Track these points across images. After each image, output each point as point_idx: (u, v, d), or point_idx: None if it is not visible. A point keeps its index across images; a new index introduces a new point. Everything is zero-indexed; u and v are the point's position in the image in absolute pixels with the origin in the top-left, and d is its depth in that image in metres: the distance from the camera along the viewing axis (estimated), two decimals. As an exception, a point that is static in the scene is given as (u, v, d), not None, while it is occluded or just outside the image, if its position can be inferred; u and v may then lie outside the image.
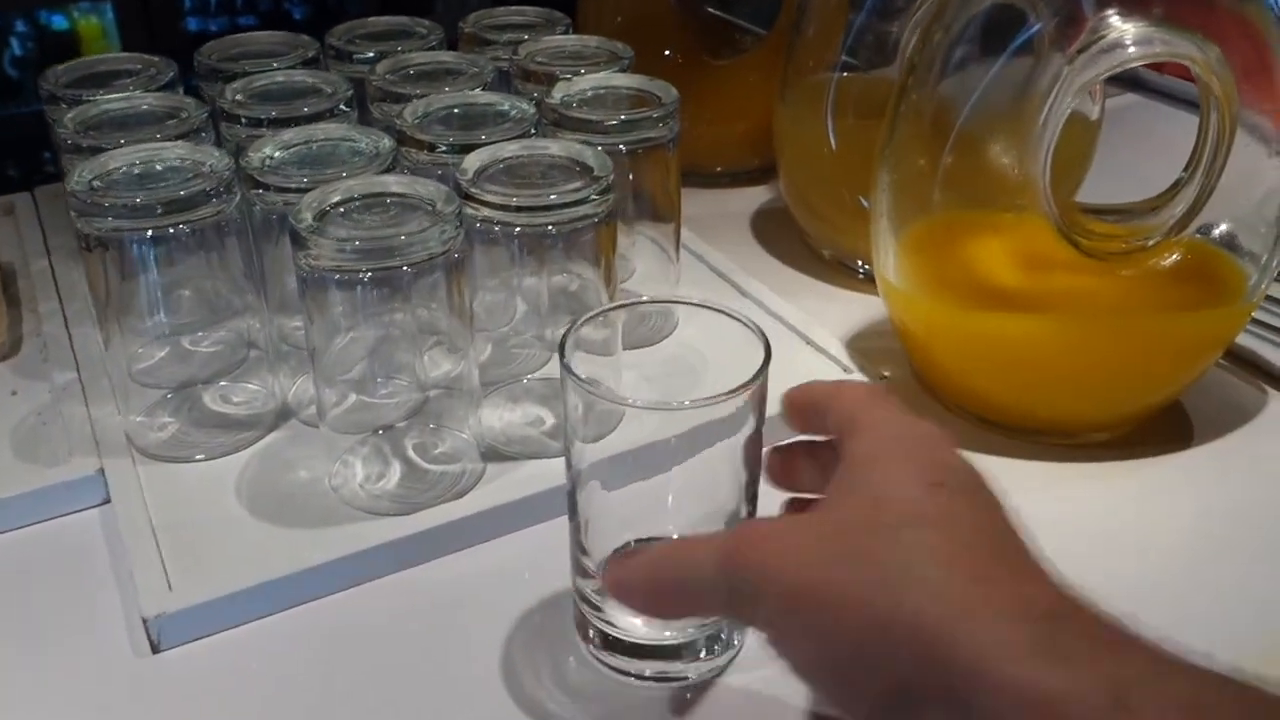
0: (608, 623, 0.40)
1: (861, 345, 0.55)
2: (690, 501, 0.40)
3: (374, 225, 0.42)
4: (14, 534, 0.46)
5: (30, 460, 0.48)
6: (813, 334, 0.56)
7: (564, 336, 0.37)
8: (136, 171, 0.46)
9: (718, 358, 0.52)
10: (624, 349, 0.48)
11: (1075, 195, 0.58)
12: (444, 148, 0.47)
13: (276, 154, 0.47)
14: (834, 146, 0.61)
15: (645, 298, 0.57)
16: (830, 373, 0.53)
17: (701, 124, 0.69)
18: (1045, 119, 0.46)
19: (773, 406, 0.37)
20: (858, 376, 0.53)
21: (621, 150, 0.51)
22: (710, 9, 0.74)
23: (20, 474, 0.47)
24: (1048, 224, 0.47)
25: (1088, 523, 0.46)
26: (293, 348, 0.52)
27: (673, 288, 0.58)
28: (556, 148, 0.47)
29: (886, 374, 0.53)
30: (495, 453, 0.48)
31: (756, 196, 0.73)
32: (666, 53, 0.72)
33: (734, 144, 0.74)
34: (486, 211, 0.44)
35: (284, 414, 0.51)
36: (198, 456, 0.49)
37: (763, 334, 0.37)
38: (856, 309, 0.60)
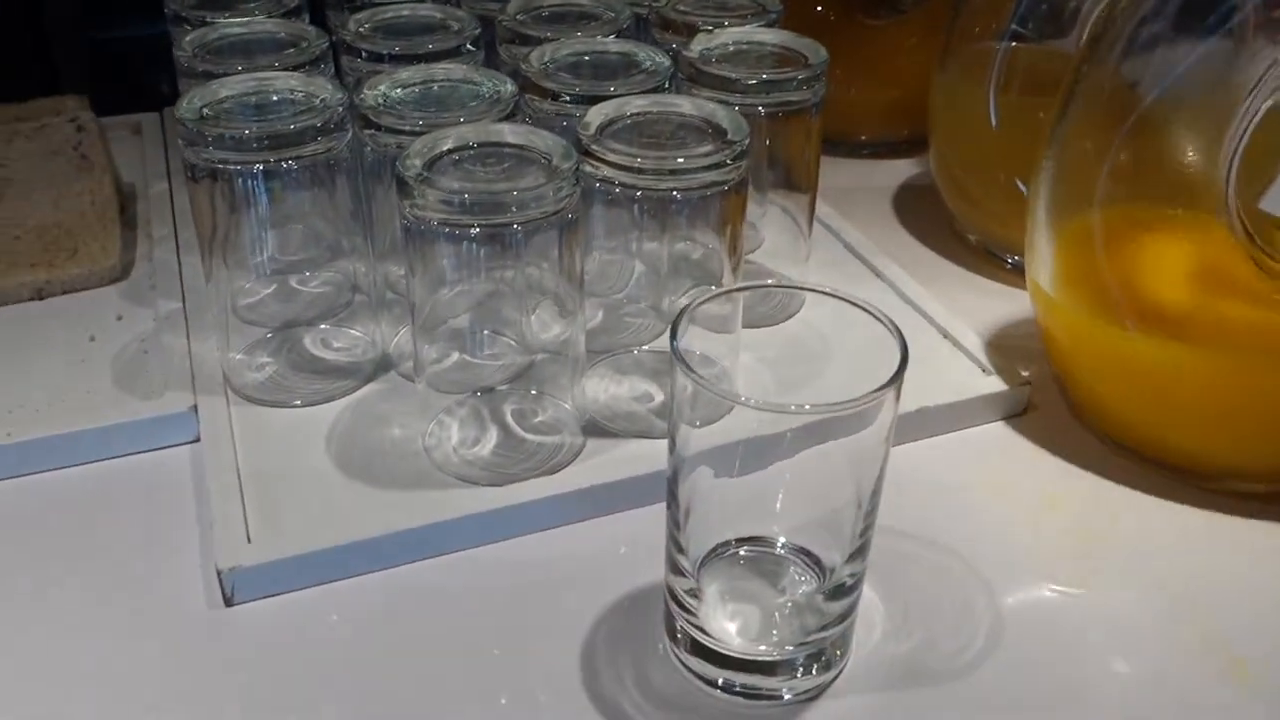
0: (699, 628, 0.36)
1: (1003, 344, 0.51)
2: (800, 503, 0.37)
3: (485, 178, 0.39)
4: (103, 464, 0.45)
5: (127, 390, 0.47)
6: (951, 327, 0.51)
7: (678, 316, 0.34)
8: (250, 101, 0.44)
9: (844, 344, 0.48)
10: (743, 327, 0.44)
11: (1261, 203, 0.52)
12: (568, 97, 0.44)
13: (393, 93, 0.44)
14: (995, 123, 0.56)
15: (770, 281, 0.53)
16: (967, 371, 0.49)
17: (850, 88, 0.65)
18: (1242, 112, 0.41)
19: (904, 406, 0.33)
20: (995, 379, 0.48)
21: (760, 112, 0.47)
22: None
23: (116, 403, 0.46)
24: (1229, 234, 0.41)
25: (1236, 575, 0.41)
26: (398, 296, 0.50)
27: (803, 264, 0.54)
28: (689, 106, 0.43)
29: (1026, 374, 0.48)
30: (597, 427, 0.45)
31: (902, 171, 0.68)
32: (819, 8, 0.67)
33: (883, 112, 0.69)
34: (607, 171, 0.41)
35: (383, 365, 0.49)
36: (294, 402, 0.47)
37: (900, 333, 0.33)
38: (1001, 303, 0.55)
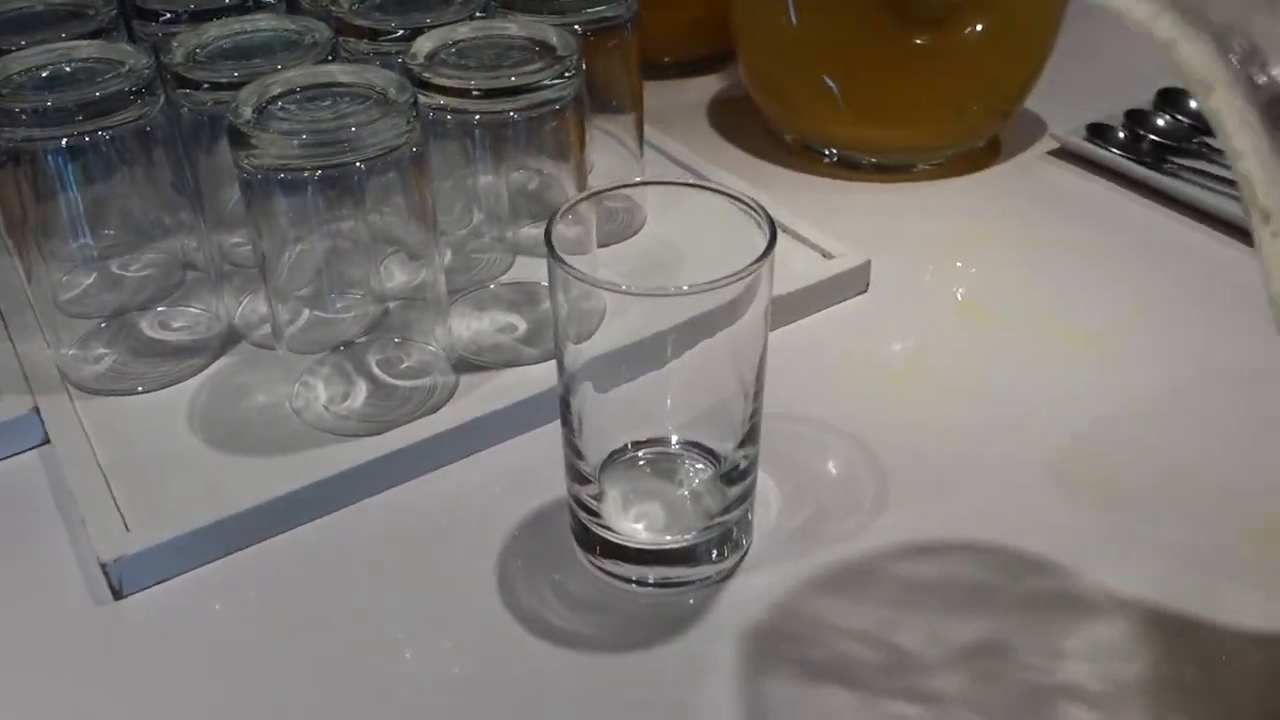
0: (607, 528, 0.37)
1: (837, 230, 0.53)
2: (689, 399, 0.38)
3: (322, 119, 0.38)
4: (-56, 483, 0.42)
5: (-47, 403, 0.44)
6: (788, 221, 0.53)
7: (547, 227, 0.34)
8: (45, 75, 0.41)
9: (694, 250, 0.49)
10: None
11: None
12: (396, 34, 0.43)
13: (204, 48, 0.42)
14: (795, 22, 0.58)
15: (637, 180, 0.53)
16: (810, 259, 0.51)
17: (652, 9, 0.65)
18: None
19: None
20: (837, 261, 0.50)
21: (578, 31, 0.47)
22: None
23: (-56, 418, 0.43)
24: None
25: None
26: (235, 266, 0.48)
27: (638, 183, 0.55)
28: (515, 28, 0.43)
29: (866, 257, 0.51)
30: (466, 364, 0.45)
31: (710, 86, 0.70)
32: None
33: (685, 32, 0.70)
34: (441, 99, 0.41)
35: (232, 338, 0.47)
36: (139, 389, 0.45)
37: (766, 214, 0.34)
38: (827, 195, 0.57)
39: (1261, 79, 0.24)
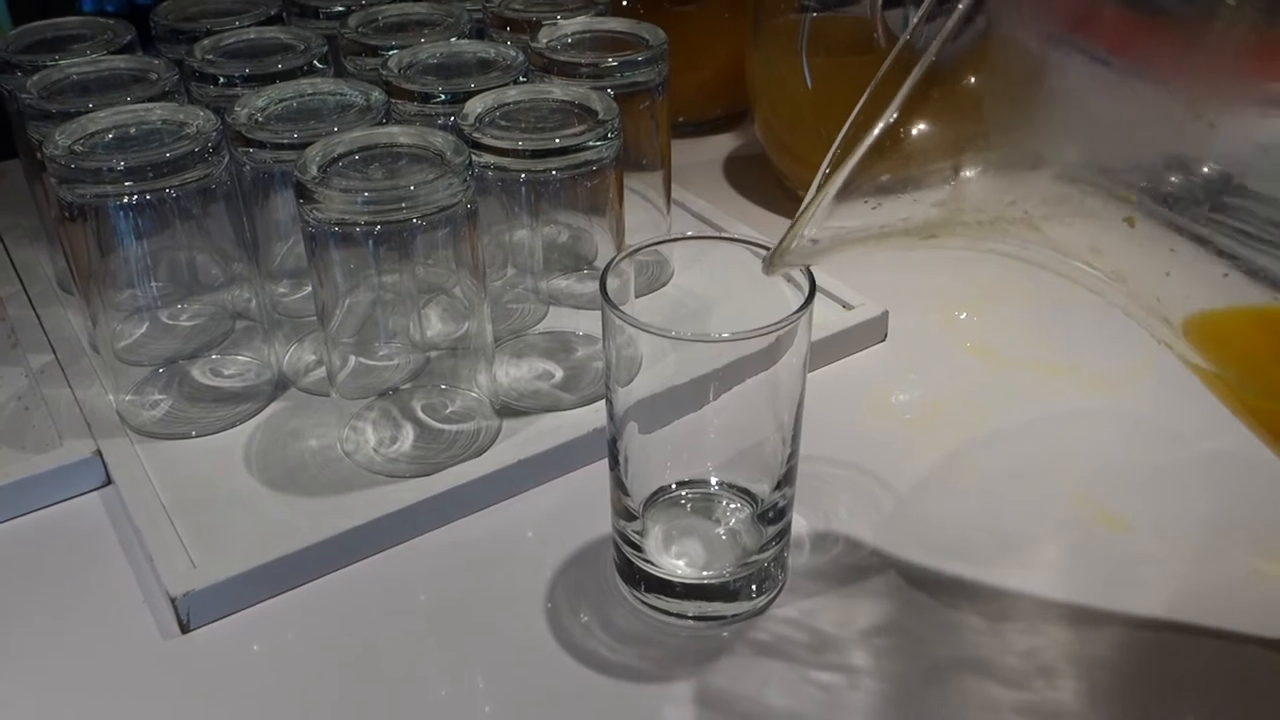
0: (650, 563, 0.39)
1: (854, 282, 0.55)
2: (728, 441, 0.40)
3: (381, 177, 0.40)
4: (13, 524, 0.43)
5: (17, 447, 0.46)
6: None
7: (602, 280, 0.36)
8: (116, 136, 0.43)
9: (719, 301, 0.51)
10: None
11: None
12: (442, 97, 0.46)
13: (264, 110, 0.45)
14: (810, 84, 0.61)
15: (689, 234, 0.56)
16: (832, 309, 0.53)
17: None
18: None
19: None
20: (856, 312, 0.53)
21: (611, 95, 0.50)
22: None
23: (13, 461, 0.45)
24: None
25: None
26: (284, 316, 0.50)
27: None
28: (560, 91, 0.46)
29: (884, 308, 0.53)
30: (508, 409, 0.47)
31: (725, 144, 0.72)
32: (624, 2, 0.71)
33: (698, 92, 0.73)
34: (491, 158, 0.43)
35: (282, 384, 0.49)
36: (194, 433, 0.47)
37: (806, 268, 0.37)
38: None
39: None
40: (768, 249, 0.36)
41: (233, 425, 0.47)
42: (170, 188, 0.42)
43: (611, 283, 0.38)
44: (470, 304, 0.45)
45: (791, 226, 0.34)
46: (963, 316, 0.55)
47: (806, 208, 0.34)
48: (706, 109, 0.74)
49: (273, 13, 0.55)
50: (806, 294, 0.36)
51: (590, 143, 0.44)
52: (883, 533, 0.43)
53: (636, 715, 0.36)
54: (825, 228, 0.34)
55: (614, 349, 0.37)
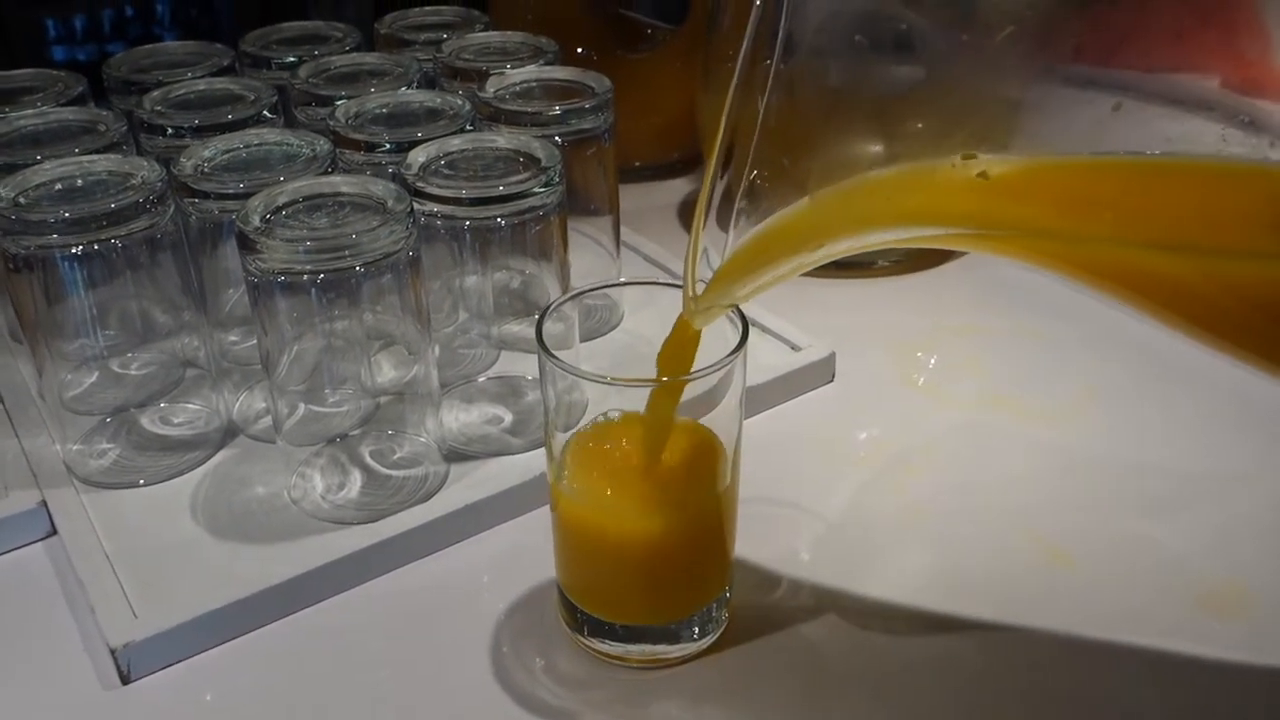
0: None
1: (803, 325, 0.56)
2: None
3: (324, 226, 0.41)
4: (-46, 576, 0.43)
5: (-38, 499, 0.46)
6: (757, 316, 0.56)
7: (538, 325, 0.37)
8: (62, 188, 0.44)
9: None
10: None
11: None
12: (387, 146, 0.46)
13: (209, 161, 0.45)
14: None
15: (620, 280, 0.56)
16: (778, 351, 0.54)
17: (621, 118, 0.69)
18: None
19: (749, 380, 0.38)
20: (803, 354, 0.53)
21: (558, 142, 0.51)
22: (620, 8, 0.75)
23: (-45, 512, 0.44)
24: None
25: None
26: (233, 364, 0.51)
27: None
28: (503, 140, 0.46)
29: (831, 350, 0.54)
30: (457, 454, 0.48)
31: (679, 189, 0.73)
32: (579, 50, 0.72)
33: (652, 138, 0.74)
34: (435, 206, 0.44)
35: (230, 431, 0.49)
36: (141, 482, 0.47)
37: (739, 309, 0.37)
38: (793, 290, 0.60)
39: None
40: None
41: (180, 473, 0.47)
42: (116, 238, 0.43)
43: (554, 327, 0.39)
44: (416, 349, 0.45)
45: (686, 273, 0.36)
46: (909, 355, 0.56)
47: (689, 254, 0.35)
48: (662, 153, 0.76)
49: (225, 64, 0.56)
50: (740, 336, 0.36)
51: (533, 190, 0.44)
52: (826, 573, 0.43)
53: (578, 759, 0.36)
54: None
55: (553, 394, 0.37)
